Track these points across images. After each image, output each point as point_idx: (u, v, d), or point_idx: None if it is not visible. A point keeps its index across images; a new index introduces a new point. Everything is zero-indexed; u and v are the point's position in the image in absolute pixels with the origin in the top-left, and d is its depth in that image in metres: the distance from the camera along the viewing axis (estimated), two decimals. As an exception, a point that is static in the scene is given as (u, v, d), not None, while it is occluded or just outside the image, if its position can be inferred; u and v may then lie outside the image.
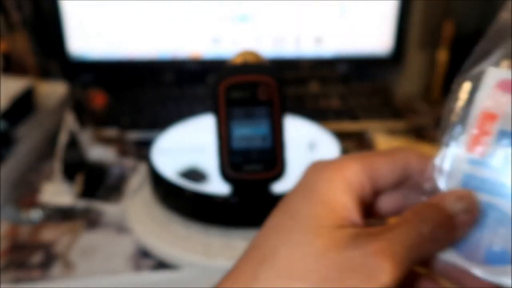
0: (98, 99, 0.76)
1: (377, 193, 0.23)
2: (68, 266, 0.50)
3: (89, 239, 0.54)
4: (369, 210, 0.23)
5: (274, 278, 0.19)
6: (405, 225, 0.21)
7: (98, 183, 0.61)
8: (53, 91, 0.77)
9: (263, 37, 0.73)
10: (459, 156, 0.23)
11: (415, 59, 0.84)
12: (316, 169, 0.22)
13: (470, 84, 0.23)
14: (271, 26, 0.73)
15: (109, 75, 0.81)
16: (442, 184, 0.23)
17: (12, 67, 0.78)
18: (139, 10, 0.72)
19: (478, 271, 0.22)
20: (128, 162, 0.65)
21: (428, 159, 0.23)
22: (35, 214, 0.57)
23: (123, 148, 0.68)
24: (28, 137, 0.66)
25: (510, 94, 0.22)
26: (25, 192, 0.61)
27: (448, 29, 0.79)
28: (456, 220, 0.21)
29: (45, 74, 0.81)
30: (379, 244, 0.19)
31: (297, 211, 0.21)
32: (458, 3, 0.81)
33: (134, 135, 0.71)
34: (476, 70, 0.23)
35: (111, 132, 0.71)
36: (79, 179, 0.61)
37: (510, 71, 0.22)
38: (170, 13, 0.72)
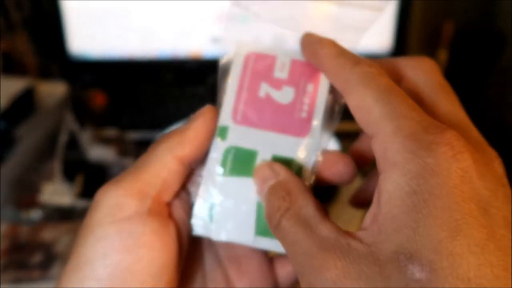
0: (98, 99, 0.76)
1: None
2: (68, 266, 0.50)
3: (89, 239, 0.53)
4: None
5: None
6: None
7: (98, 183, 0.61)
8: (53, 91, 0.77)
9: (263, 37, 0.73)
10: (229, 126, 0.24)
11: (415, 59, 0.84)
12: (102, 192, 0.22)
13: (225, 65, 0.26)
14: (271, 26, 0.73)
15: (109, 75, 0.81)
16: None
17: (12, 67, 0.78)
18: (139, 10, 0.72)
19: (262, 243, 0.23)
20: (128, 162, 0.65)
21: None
22: (35, 214, 0.57)
23: (123, 148, 0.68)
24: (28, 137, 0.66)
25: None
26: (25, 192, 0.61)
27: (448, 29, 0.79)
28: None
29: (45, 74, 0.81)
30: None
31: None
32: (458, 3, 0.81)
33: (134, 135, 0.71)
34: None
35: (111, 132, 0.71)
36: (79, 179, 0.61)
37: (256, 45, 0.26)
38: (170, 13, 0.72)
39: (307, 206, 0.19)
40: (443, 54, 0.80)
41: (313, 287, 0.16)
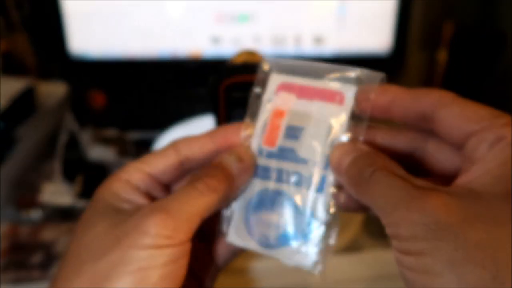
0: (98, 99, 0.76)
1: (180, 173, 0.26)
2: (68, 266, 0.50)
3: (89, 239, 0.53)
4: None
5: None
6: (185, 187, 0.23)
7: (98, 183, 0.61)
8: (53, 91, 0.77)
9: (263, 37, 0.73)
10: (257, 149, 0.26)
11: (415, 59, 0.84)
12: (104, 182, 0.26)
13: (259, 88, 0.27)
14: (271, 26, 0.73)
15: (109, 75, 0.81)
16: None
17: (12, 67, 0.78)
18: (139, 10, 0.72)
19: (276, 254, 0.24)
20: (128, 162, 0.65)
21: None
22: (35, 214, 0.57)
23: (123, 148, 0.68)
24: (28, 137, 0.66)
25: (294, 94, 0.26)
26: (25, 192, 0.61)
27: (448, 29, 0.79)
28: (232, 170, 0.24)
29: (45, 74, 0.81)
30: (152, 206, 0.22)
31: (89, 219, 0.24)
32: (458, 3, 0.81)
33: (134, 135, 0.71)
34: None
35: (111, 132, 0.71)
36: (79, 179, 0.61)
37: (290, 76, 0.26)
38: (170, 13, 0.72)
39: (397, 167, 0.20)
40: (443, 54, 0.80)
41: (408, 217, 0.18)
